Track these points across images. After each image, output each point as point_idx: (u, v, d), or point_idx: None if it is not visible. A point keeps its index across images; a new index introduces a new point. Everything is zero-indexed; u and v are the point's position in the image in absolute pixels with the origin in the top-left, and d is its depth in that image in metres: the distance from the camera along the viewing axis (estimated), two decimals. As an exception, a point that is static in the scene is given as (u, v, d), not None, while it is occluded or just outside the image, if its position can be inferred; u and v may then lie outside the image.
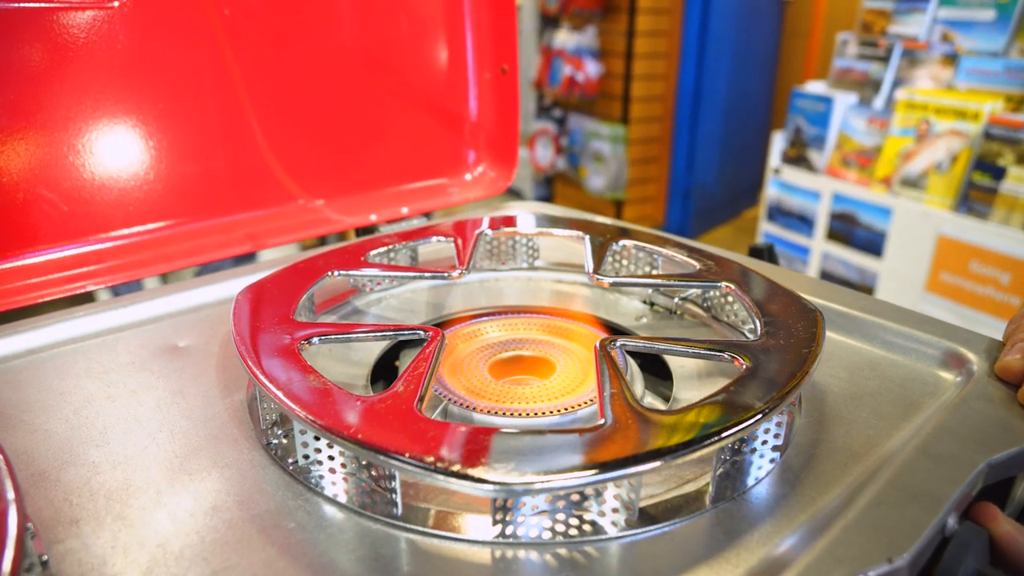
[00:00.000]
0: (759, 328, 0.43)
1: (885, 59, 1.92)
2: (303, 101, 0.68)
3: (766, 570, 0.30)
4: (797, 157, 2.08)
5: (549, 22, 3.19)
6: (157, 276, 0.62)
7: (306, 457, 0.37)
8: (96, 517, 0.34)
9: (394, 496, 0.34)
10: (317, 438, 0.36)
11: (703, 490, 0.36)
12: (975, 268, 1.64)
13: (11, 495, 0.29)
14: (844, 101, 1.97)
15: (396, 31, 0.71)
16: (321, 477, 0.36)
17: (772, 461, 0.37)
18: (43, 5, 0.53)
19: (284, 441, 0.39)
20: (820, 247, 2.03)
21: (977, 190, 1.65)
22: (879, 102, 1.92)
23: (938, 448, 0.37)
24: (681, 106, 3.00)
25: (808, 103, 2.04)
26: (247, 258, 0.85)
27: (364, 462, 0.35)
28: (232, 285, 0.58)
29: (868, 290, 1.89)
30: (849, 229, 1.93)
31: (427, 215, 0.76)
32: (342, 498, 0.35)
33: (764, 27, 3.22)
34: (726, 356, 0.40)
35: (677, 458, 0.32)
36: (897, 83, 1.89)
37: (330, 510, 0.34)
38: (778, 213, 2.14)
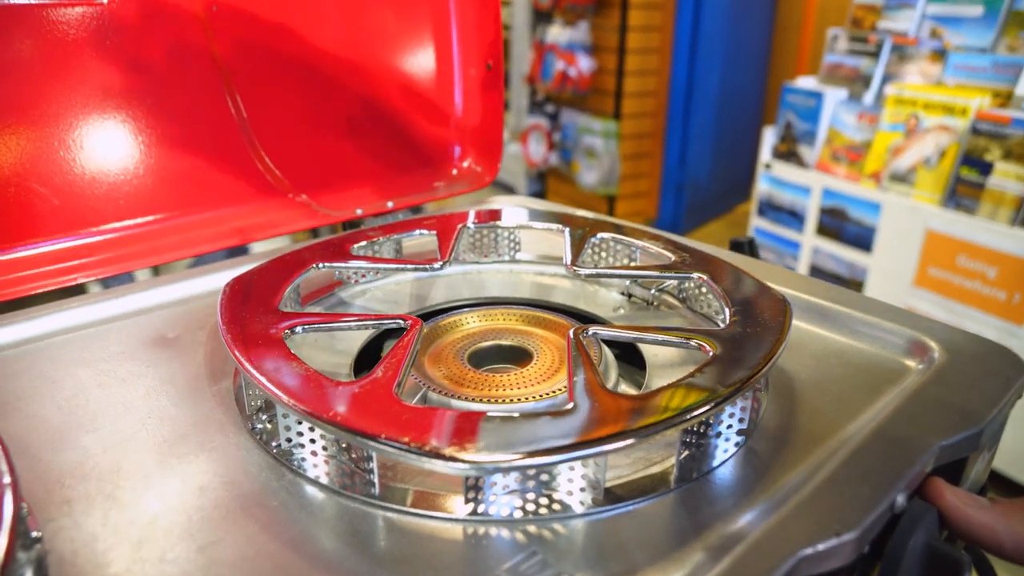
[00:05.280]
0: (728, 317, 0.45)
1: (875, 54, 1.94)
2: (290, 96, 0.69)
3: (723, 545, 0.32)
4: (788, 152, 2.09)
5: (542, 17, 3.20)
6: (148, 269, 0.63)
7: (289, 440, 0.38)
8: (87, 497, 0.36)
9: (372, 476, 0.35)
10: (299, 422, 0.38)
11: (668, 471, 0.37)
12: (962, 263, 1.66)
13: (7, 479, 0.31)
14: (834, 96, 1.98)
15: (382, 28, 0.72)
16: (303, 459, 0.38)
17: (737, 445, 0.39)
18: (33, 2, 0.54)
19: (268, 426, 0.41)
20: (810, 242, 2.04)
21: (964, 185, 1.66)
22: (869, 97, 1.94)
23: (894, 431, 0.38)
24: (674, 101, 3.02)
25: (798, 98, 2.06)
26: (240, 252, 0.86)
27: (344, 444, 0.37)
28: (220, 277, 0.60)
29: (858, 285, 1.91)
30: (839, 224, 1.95)
31: (414, 209, 0.77)
32: (323, 479, 0.36)
33: (756, 22, 3.23)
34: (693, 344, 0.42)
35: (641, 439, 0.33)
36: (887, 78, 1.90)
37: (311, 490, 0.36)
38: (769, 208, 2.15)
